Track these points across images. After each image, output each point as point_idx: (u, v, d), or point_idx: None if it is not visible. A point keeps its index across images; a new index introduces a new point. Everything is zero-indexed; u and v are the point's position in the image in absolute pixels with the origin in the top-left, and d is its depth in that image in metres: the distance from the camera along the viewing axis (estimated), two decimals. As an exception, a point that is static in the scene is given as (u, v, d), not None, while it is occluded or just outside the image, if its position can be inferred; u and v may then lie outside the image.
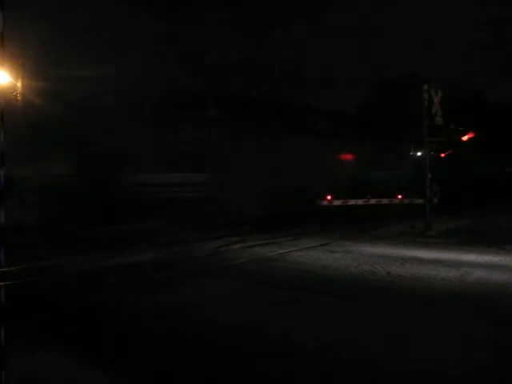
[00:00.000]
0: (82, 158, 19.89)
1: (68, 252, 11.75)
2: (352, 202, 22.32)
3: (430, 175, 16.95)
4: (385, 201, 22.77)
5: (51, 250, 11.65)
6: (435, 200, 16.98)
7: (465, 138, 19.62)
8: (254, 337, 5.93)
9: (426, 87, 17.08)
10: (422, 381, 4.75)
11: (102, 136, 18.82)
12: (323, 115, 33.60)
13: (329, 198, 22.08)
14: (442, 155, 18.69)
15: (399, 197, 23.34)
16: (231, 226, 17.63)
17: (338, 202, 22.00)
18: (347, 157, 30.57)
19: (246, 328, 6.27)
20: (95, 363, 5.20)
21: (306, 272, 9.85)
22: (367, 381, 4.74)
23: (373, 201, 22.61)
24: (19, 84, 20.94)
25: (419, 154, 24.33)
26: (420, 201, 17.93)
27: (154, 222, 17.79)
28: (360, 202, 22.39)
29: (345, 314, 6.94)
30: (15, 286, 7.88)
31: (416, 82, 20.81)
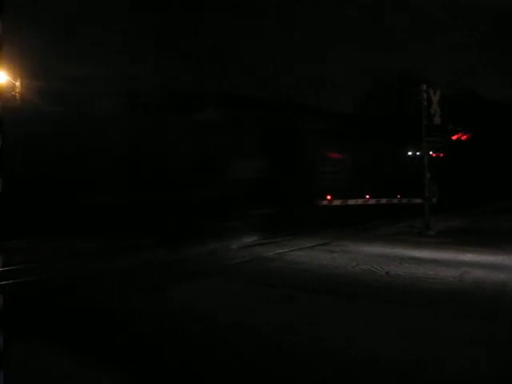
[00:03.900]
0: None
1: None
2: (351, 201, 22.36)
3: (428, 175, 16.95)
4: (383, 200, 22.82)
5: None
6: (434, 200, 16.98)
7: (464, 137, 19.61)
8: (253, 336, 5.94)
9: (424, 87, 17.09)
10: (418, 381, 4.77)
11: None
12: (323, 115, 33.61)
13: (328, 197, 22.11)
14: (441, 155, 18.69)
15: (398, 196, 23.38)
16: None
17: (337, 202, 22.03)
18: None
19: (244, 327, 6.26)
20: (95, 362, 5.21)
21: (304, 272, 9.86)
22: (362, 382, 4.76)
23: (372, 200, 22.65)
24: (18, 83, 20.95)
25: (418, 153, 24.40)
26: (419, 200, 17.96)
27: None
28: (359, 201, 22.44)
29: (343, 313, 6.93)
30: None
31: (414, 81, 20.82)
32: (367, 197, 22.88)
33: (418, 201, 18.03)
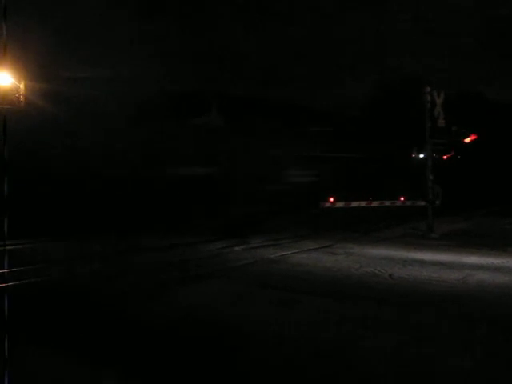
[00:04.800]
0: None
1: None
2: (354, 203, 22.33)
3: (431, 177, 16.91)
4: (387, 203, 22.79)
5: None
6: (437, 202, 16.93)
7: (467, 140, 19.52)
8: (255, 339, 5.94)
9: (428, 89, 17.04)
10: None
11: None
12: (326, 117, 33.66)
13: (331, 199, 22.07)
14: (445, 157, 18.63)
15: (401, 199, 23.33)
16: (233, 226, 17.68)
17: (340, 204, 21.99)
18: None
19: (247, 330, 6.26)
20: (96, 362, 5.21)
21: (307, 274, 9.85)
22: None
23: (375, 203, 22.60)
24: (22, 85, 20.98)
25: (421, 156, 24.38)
26: (422, 203, 17.91)
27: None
28: (363, 203, 22.40)
29: (346, 316, 6.93)
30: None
31: (418, 83, 20.78)
32: (370, 199, 22.83)
33: (422, 203, 17.99)
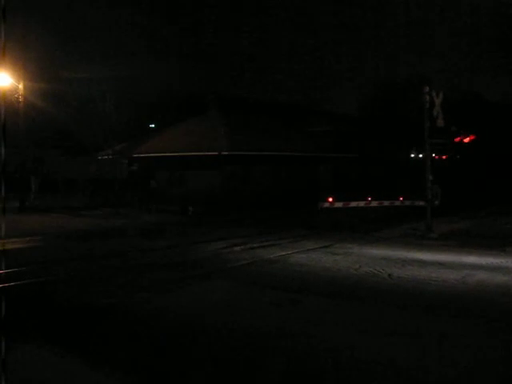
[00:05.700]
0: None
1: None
2: (353, 203, 22.25)
3: (431, 177, 16.88)
4: (386, 203, 22.74)
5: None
6: (436, 202, 16.90)
7: (466, 140, 19.46)
8: (254, 341, 5.94)
9: (427, 89, 17.01)
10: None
11: None
12: (325, 117, 33.67)
13: (330, 200, 22.00)
14: (444, 157, 18.58)
15: (400, 199, 23.29)
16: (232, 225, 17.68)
17: (339, 204, 21.92)
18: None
19: (246, 331, 6.27)
20: (95, 362, 5.21)
21: (307, 274, 9.85)
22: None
23: (374, 203, 22.53)
24: (21, 86, 21.01)
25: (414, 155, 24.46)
26: (421, 203, 17.88)
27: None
28: (361, 203, 22.33)
29: (345, 317, 6.93)
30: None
31: (417, 83, 20.77)
32: (369, 199, 22.75)
33: (421, 203, 17.95)
